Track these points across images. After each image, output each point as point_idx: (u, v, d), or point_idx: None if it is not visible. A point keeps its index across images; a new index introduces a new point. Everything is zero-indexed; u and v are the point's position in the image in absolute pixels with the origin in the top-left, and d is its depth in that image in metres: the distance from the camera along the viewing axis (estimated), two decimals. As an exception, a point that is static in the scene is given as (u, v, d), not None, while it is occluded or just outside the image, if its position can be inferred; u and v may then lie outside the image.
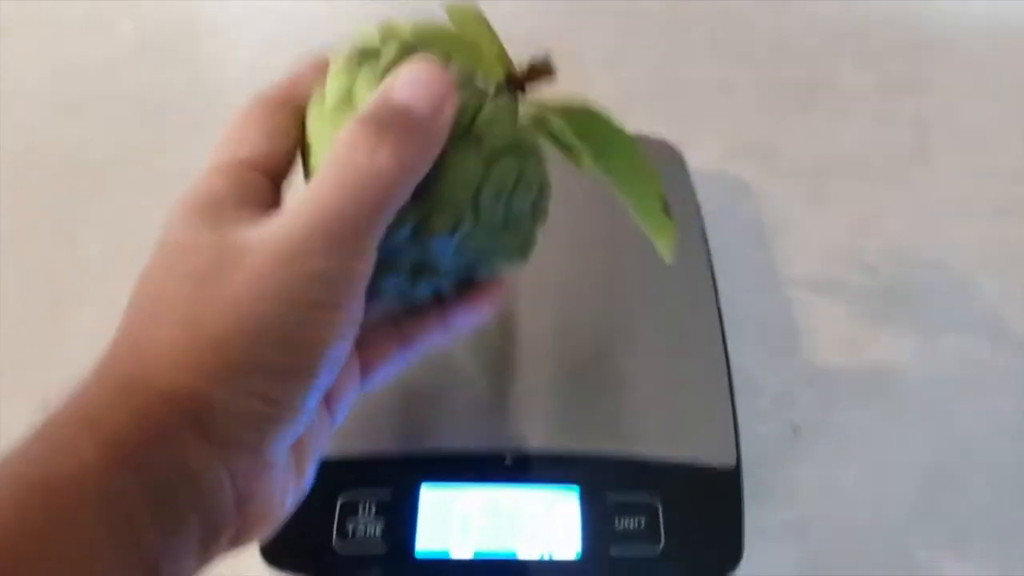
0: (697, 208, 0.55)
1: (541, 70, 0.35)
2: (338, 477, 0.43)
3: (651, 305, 0.50)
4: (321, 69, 0.34)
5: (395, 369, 0.37)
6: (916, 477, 0.48)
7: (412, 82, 0.31)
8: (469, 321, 0.37)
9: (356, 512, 0.43)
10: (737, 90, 0.68)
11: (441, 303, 0.36)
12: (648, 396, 0.47)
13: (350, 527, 0.42)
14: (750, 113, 0.66)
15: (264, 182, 0.32)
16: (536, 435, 0.45)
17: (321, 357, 0.29)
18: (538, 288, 0.50)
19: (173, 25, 0.74)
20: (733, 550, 0.42)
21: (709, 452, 0.45)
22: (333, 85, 0.33)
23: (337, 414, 0.35)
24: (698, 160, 0.58)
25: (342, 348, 0.29)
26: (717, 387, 0.47)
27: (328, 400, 0.34)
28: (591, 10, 0.75)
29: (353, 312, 0.29)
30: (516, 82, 0.35)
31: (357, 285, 0.29)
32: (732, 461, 0.44)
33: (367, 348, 0.36)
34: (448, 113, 0.31)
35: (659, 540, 0.42)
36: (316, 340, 0.28)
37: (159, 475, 0.26)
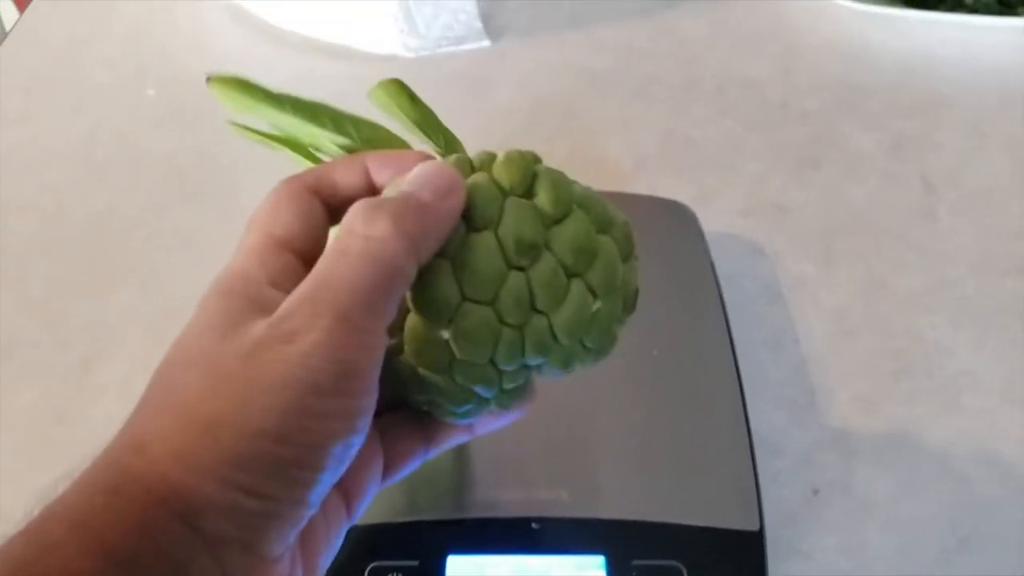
0: (712, 268, 0.56)
1: None
2: (366, 545, 0.44)
3: (670, 368, 0.51)
4: (349, 164, 0.34)
5: (416, 465, 0.36)
6: (937, 538, 0.49)
7: (416, 174, 0.31)
8: (500, 423, 0.37)
9: (384, 580, 0.43)
10: (747, 151, 0.69)
11: None
12: (670, 460, 0.47)
13: (378, 596, 0.43)
14: (760, 174, 0.67)
15: (296, 263, 0.31)
16: (561, 502, 0.45)
17: (324, 451, 0.27)
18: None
19: (193, 87, 0.76)
20: (759, 613, 0.43)
21: (732, 516, 0.45)
22: None
23: (355, 510, 0.33)
24: (711, 220, 0.59)
25: (351, 442, 0.28)
26: (738, 450, 0.48)
27: (346, 495, 0.33)
28: (601, 74, 0.76)
29: (361, 402, 0.28)
30: None
31: (364, 365, 0.28)
32: (755, 524, 0.45)
33: (391, 445, 0.35)
34: (455, 201, 0.30)
35: (686, 606, 0.43)
36: (319, 432, 0.27)
37: (146, 572, 0.25)
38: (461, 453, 0.47)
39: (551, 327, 0.32)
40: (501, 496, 0.46)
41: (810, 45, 0.77)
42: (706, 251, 0.58)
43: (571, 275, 0.32)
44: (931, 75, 0.74)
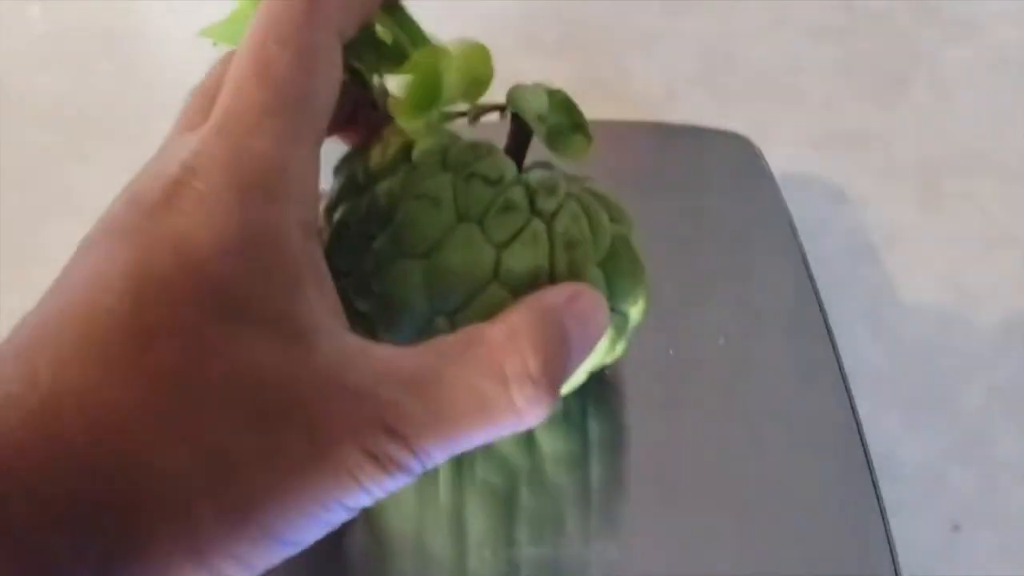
0: (790, 221, 0.42)
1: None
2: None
3: (746, 364, 0.37)
4: None
5: None
6: None
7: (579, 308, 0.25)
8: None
9: None
10: (810, 71, 0.55)
11: None
12: (759, 495, 0.33)
13: None
14: (830, 97, 0.53)
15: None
16: (608, 564, 0.31)
17: None
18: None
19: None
20: None
21: (855, 566, 0.32)
22: None
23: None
24: (771, 158, 0.45)
25: None
26: (854, 473, 0.34)
27: None
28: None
29: None
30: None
31: None
32: (889, 571, 0.31)
33: None
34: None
35: None
36: None
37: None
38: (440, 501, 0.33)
39: None
40: (523, 554, 0.31)
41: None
42: (779, 197, 0.43)
43: None
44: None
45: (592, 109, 0.49)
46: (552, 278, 0.27)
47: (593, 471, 0.34)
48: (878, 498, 0.33)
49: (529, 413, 0.23)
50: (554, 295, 0.25)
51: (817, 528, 0.33)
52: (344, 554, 0.32)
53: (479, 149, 0.28)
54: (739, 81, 0.56)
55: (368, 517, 0.33)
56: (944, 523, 0.37)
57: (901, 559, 0.33)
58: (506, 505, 0.33)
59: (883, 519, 0.33)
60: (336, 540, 0.29)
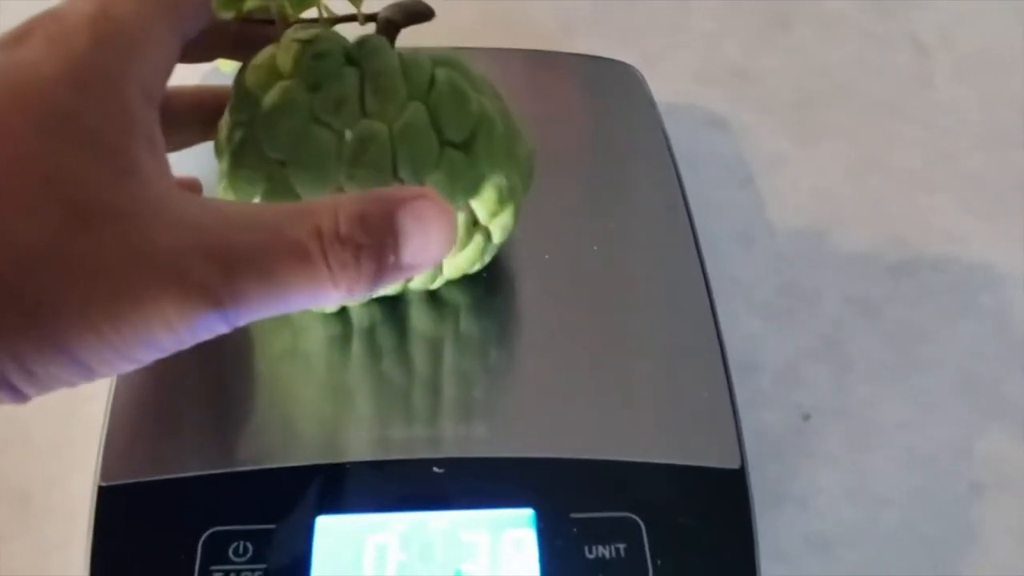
0: (667, 143, 0.44)
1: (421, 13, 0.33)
2: (201, 503, 0.31)
3: (619, 268, 0.39)
4: None
5: None
6: (962, 472, 0.38)
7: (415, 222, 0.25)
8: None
9: (225, 553, 0.30)
10: (698, 8, 0.57)
11: None
12: (621, 383, 0.35)
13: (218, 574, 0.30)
14: (716, 34, 0.55)
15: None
16: (473, 438, 0.33)
17: None
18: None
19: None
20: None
21: (705, 451, 0.33)
22: None
23: None
24: (658, 88, 0.47)
25: None
26: (709, 368, 0.36)
27: None
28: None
29: None
30: (391, 27, 0.32)
31: None
32: (735, 461, 0.33)
33: None
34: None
35: (646, 571, 0.31)
36: None
37: None
38: (338, 374, 0.35)
39: None
40: (391, 433, 0.33)
41: None
42: (658, 122, 0.45)
43: None
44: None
45: (494, 41, 0.51)
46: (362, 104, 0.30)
47: (467, 358, 0.36)
48: (730, 391, 0.35)
49: (341, 276, 0.23)
50: (396, 191, 0.26)
51: (672, 418, 0.34)
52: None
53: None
54: (631, 18, 0.57)
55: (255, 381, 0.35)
56: (795, 413, 0.40)
57: (756, 445, 0.36)
58: (383, 386, 0.35)
59: (733, 408, 0.34)
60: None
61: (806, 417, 0.39)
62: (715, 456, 0.33)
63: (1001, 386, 0.41)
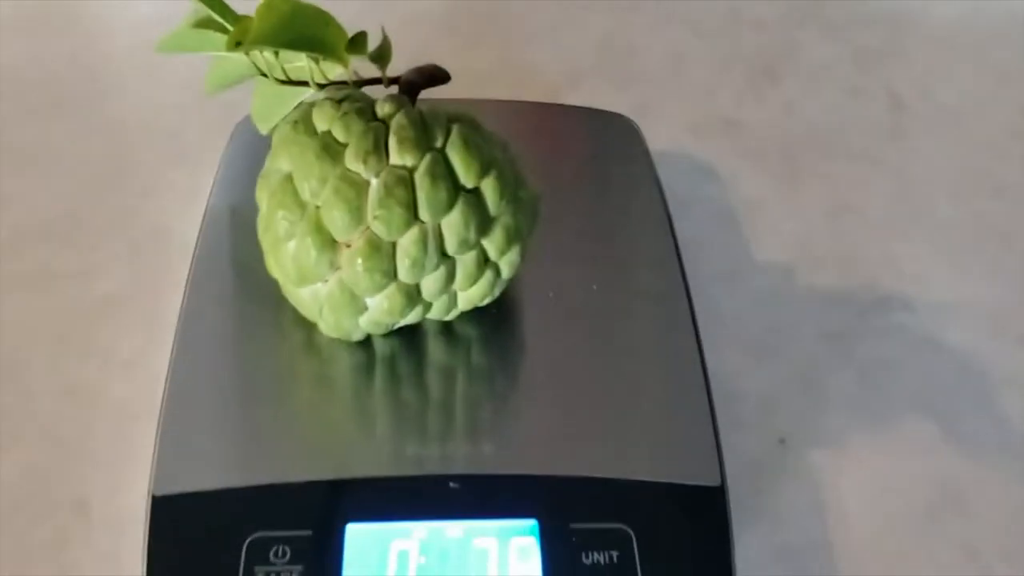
0: (660, 190, 0.48)
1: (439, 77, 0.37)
2: (244, 512, 0.35)
3: (614, 303, 0.43)
4: None
5: None
6: (923, 494, 0.42)
7: None
8: None
9: (267, 556, 0.35)
10: (694, 62, 0.61)
11: None
12: (615, 408, 0.39)
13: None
14: (710, 86, 0.60)
15: None
16: (484, 456, 0.37)
17: None
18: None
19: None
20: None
21: (688, 469, 0.37)
22: None
23: None
24: (654, 138, 0.51)
25: None
26: (693, 395, 0.40)
27: None
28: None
29: None
30: (413, 88, 0.37)
31: None
32: (716, 479, 0.37)
33: None
34: None
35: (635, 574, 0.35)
36: None
37: None
38: (363, 398, 0.39)
39: None
40: (413, 451, 0.37)
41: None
42: (652, 169, 0.50)
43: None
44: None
45: (504, 92, 0.55)
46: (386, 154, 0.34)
47: (478, 384, 0.40)
48: (713, 417, 0.39)
49: None
50: None
51: (660, 440, 0.38)
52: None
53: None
54: (632, 68, 0.61)
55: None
56: (772, 438, 0.44)
57: (733, 466, 0.40)
58: (404, 409, 0.39)
59: (715, 432, 0.38)
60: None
61: (781, 441, 0.44)
62: (698, 475, 0.37)
63: (962, 417, 0.45)
